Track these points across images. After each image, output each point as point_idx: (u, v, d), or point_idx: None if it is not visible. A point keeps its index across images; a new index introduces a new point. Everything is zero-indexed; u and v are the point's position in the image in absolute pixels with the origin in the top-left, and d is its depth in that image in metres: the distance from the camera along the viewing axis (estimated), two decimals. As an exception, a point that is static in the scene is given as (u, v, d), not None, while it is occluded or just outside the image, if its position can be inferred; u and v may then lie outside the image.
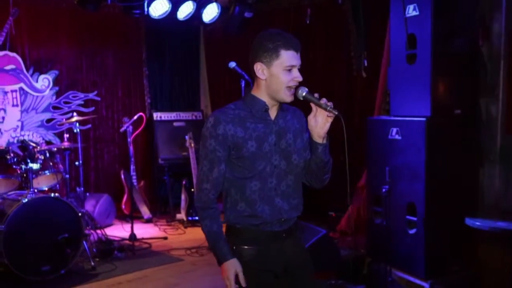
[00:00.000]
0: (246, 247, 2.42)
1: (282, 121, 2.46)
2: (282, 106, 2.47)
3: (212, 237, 2.41)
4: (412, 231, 4.21)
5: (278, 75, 2.34)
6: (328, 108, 2.29)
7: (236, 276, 2.36)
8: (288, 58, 2.33)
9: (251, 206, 2.40)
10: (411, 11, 4.27)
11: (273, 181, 2.42)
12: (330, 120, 2.34)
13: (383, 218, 4.44)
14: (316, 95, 2.34)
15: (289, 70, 2.35)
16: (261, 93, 2.41)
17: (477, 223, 4.06)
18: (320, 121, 2.35)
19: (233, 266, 2.36)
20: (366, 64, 6.08)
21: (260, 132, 2.39)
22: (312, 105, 2.34)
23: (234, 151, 2.38)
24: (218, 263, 2.41)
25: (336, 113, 2.30)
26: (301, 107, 2.58)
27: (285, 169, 2.44)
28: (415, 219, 4.18)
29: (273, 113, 2.44)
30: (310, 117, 2.35)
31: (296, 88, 2.37)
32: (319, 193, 6.75)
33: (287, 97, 2.37)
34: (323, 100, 2.31)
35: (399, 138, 4.32)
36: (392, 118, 4.49)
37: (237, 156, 2.38)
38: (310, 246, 4.78)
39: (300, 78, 2.37)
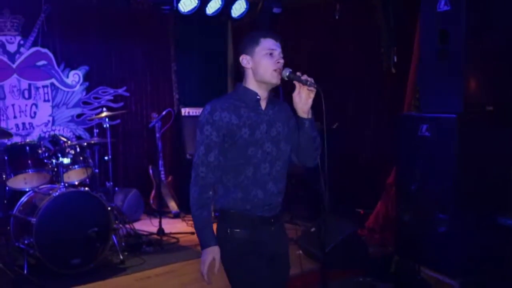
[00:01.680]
0: (239, 230, 2.58)
1: (271, 112, 2.64)
2: (270, 99, 2.65)
3: (200, 223, 2.56)
4: (442, 229, 4.15)
5: (261, 60, 2.55)
6: (308, 83, 2.46)
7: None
8: (268, 43, 2.56)
9: (244, 191, 2.56)
10: (443, 5, 4.20)
11: (267, 167, 2.58)
12: (312, 95, 2.50)
13: (412, 215, 4.39)
14: (298, 73, 2.50)
15: (271, 54, 2.55)
16: (251, 83, 2.62)
17: (510, 222, 4.00)
18: (303, 97, 2.51)
19: (212, 252, 2.53)
20: (395, 59, 6.02)
21: (252, 120, 2.56)
22: (296, 83, 2.52)
23: (228, 138, 2.54)
24: (201, 247, 2.57)
25: (316, 86, 2.46)
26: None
27: (275, 156, 2.60)
28: (445, 217, 4.13)
29: (263, 104, 2.62)
30: (295, 95, 2.53)
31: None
32: (347, 190, 6.74)
33: (274, 79, 2.56)
34: (304, 77, 2.48)
35: (429, 135, 4.26)
36: (422, 114, 4.44)
37: (231, 143, 2.54)
38: (338, 243, 4.76)
39: (282, 60, 2.56)
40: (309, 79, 2.46)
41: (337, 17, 6.31)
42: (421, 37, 4.59)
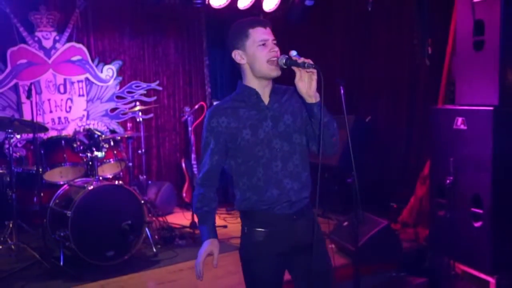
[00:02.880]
0: (257, 229, 2.53)
1: (277, 105, 2.52)
2: (275, 89, 2.54)
3: (200, 218, 2.63)
4: (478, 224, 4.07)
5: (255, 53, 2.43)
6: (306, 65, 2.30)
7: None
8: (257, 34, 2.43)
9: (257, 192, 2.49)
10: (479, -5, 4.11)
11: (279, 164, 2.48)
12: (314, 77, 2.34)
13: (446, 210, 4.32)
14: (294, 57, 2.36)
15: (263, 45, 2.42)
16: (249, 79, 2.51)
17: (548, 217, 3.90)
18: (306, 81, 2.35)
19: (210, 245, 2.57)
20: (430, 51, 5.92)
21: (253, 119, 2.47)
22: (295, 68, 2.36)
23: (231, 143, 2.49)
24: (201, 240, 2.60)
25: (314, 66, 2.30)
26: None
27: (288, 150, 2.50)
28: (480, 211, 4.05)
29: (266, 98, 2.52)
30: (297, 81, 2.37)
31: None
32: (380, 184, 6.66)
33: (272, 71, 2.45)
34: (301, 59, 2.34)
35: (465, 128, 4.18)
36: (457, 107, 4.35)
37: (234, 147, 2.49)
38: (371, 237, 4.73)
39: (276, 48, 2.43)
40: (306, 60, 2.31)
41: (369, 9, 6.22)
42: (457, 28, 4.49)
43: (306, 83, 2.35)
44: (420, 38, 6.08)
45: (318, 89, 2.39)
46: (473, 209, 4.11)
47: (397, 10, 6.55)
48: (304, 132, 2.54)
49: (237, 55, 2.48)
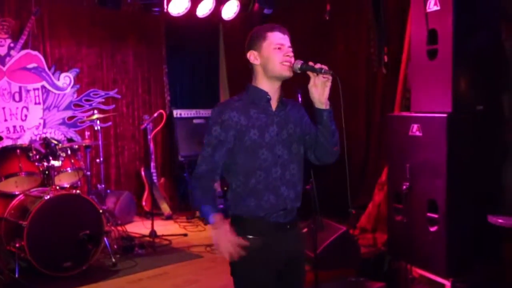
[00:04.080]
0: (251, 237, 2.44)
1: (283, 113, 2.55)
2: (282, 99, 2.56)
3: (204, 203, 2.42)
4: (433, 229, 4.16)
5: (269, 54, 2.46)
6: (323, 71, 2.37)
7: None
8: (275, 38, 2.47)
9: (256, 196, 2.47)
10: (432, 5, 4.23)
11: (278, 171, 2.49)
12: (328, 84, 2.41)
13: (403, 215, 4.40)
14: (310, 63, 2.41)
15: (279, 48, 2.46)
16: (260, 81, 2.53)
17: (500, 220, 4.01)
18: (319, 86, 2.41)
19: (220, 223, 2.33)
20: (386, 60, 6.04)
21: (262, 121, 2.48)
22: (310, 74, 2.42)
23: (237, 140, 2.46)
24: (207, 221, 2.43)
25: (331, 73, 2.37)
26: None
27: (287, 158, 2.51)
28: (436, 216, 4.14)
29: (274, 103, 2.54)
30: (310, 86, 2.43)
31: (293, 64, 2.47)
32: (339, 189, 6.71)
33: (285, 72, 2.47)
34: (317, 65, 2.40)
35: (420, 134, 4.27)
36: (413, 114, 4.45)
37: (240, 145, 2.46)
38: (330, 243, 4.77)
39: (291, 53, 2.47)
40: (323, 66, 2.37)
41: (327, 18, 6.31)
42: (412, 37, 4.61)
43: (320, 89, 2.41)
44: (377, 47, 6.21)
45: (332, 95, 2.46)
46: (428, 214, 4.20)
47: (354, 19, 6.67)
48: (302, 142, 2.58)
49: (252, 56, 2.52)
